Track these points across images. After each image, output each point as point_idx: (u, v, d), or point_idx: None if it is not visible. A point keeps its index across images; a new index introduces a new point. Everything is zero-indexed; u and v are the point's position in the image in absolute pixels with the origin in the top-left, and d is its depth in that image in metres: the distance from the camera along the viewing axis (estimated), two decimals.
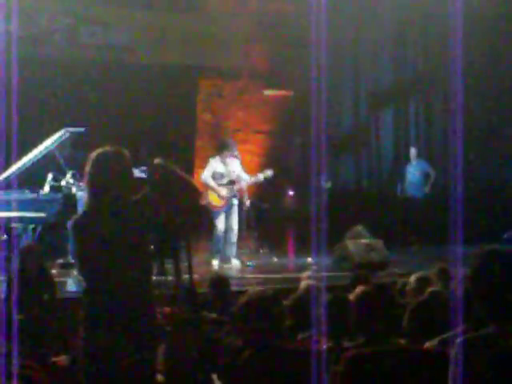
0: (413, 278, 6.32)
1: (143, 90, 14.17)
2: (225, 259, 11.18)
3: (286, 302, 4.97)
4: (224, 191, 11.04)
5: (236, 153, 11.29)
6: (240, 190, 11.22)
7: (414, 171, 14.33)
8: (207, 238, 12.13)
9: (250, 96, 16.27)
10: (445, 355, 3.67)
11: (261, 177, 11.37)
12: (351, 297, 4.85)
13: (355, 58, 16.30)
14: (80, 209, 9.37)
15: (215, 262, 11.07)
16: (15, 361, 3.85)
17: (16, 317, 4.38)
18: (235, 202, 11.23)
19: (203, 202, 11.28)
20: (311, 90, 16.32)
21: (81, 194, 9.61)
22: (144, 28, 14.77)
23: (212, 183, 11.03)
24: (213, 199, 11.06)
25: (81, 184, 9.60)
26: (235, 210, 11.21)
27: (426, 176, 14.29)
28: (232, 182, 11.08)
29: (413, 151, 14.46)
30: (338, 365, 3.90)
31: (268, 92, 16.34)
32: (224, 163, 11.13)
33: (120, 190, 4.20)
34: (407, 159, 15.58)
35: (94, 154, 4.27)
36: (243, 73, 16.09)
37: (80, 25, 14.01)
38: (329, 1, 15.67)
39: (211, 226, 11.25)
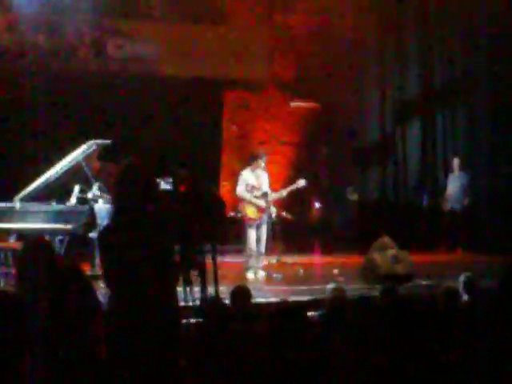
0: (440, 290, 6.29)
1: (169, 103, 14.22)
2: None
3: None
4: (261, 203, 11.00)
5: (263, 165, 11.22)
6: (272, 202, 11.20)
7: (455, 183, 14.04)
8: (237, 249, 12.17)
9: (277, 108, 16.28)
10: None
11: (294, 187, 11.32)
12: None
13: (381, 69, 16.25)
14: (99, 221, 9.42)
15: (251, 276, 10.96)
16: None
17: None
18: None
19: (230, 214, 11.21)
20: (337, 101, 16.33)
21: (98, 206, 9.61)
22: (170, 41, 14.85)
23: (248, 196, 10.98)
24: (249, 212, 11.00)
25: (107, 196, 9.62)
26: (264, 220, 11.15)
27: (467, 188, 14.06)
28: (266, 195, 11.03)
29: (456, 162, 14.13)
30: None
31: (294, 103, 16.34)
32: (255, 175, 11.10)
33: (142, 203, 4.21)
34: (433, 171, 15.48)
35: (116, 168, 4.31)
36: (269, 84, 16.12)
37: (106, 37, 14.11)
38: (353, 13, 15.79)
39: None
